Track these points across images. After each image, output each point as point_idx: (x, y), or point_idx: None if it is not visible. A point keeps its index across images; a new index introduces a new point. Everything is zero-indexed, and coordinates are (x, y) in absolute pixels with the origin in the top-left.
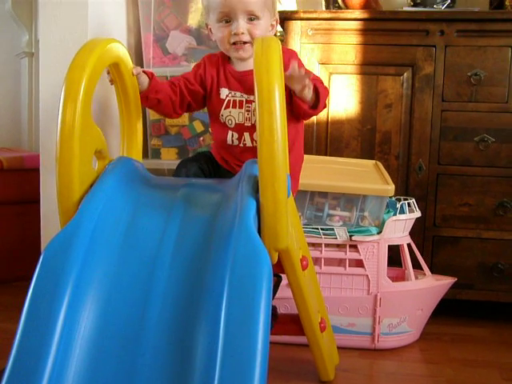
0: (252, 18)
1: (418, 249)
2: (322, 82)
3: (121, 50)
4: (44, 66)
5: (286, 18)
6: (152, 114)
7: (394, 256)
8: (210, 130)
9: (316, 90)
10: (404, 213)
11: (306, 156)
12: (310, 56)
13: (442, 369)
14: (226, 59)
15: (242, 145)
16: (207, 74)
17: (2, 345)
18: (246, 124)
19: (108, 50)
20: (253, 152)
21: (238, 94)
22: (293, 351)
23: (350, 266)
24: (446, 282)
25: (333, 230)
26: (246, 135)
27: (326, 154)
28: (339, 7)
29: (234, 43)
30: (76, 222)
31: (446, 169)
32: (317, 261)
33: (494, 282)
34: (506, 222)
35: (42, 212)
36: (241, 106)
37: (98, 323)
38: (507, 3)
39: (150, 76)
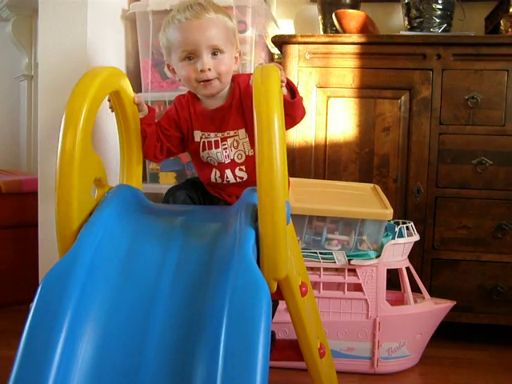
0: (216, 52)
1: (417, 272)
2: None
3: (122, 78)
4: (43, 89)
5: (283, 41)
6: None
7: (393, 279)
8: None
9: (288, 84)
10: (402, 236)
11: (304, 180)
12: (307, 79)
13: None
14: (195, 98)
15: (225, 182)
16: (181, 117)
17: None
18: (225, 161)
19: (109, 78)
20: (238, 186)
21: (212, 134)
22: (292, 376)
23: (348, 290)
24: (445, 305)
25: (331, 254)
26: (228, 172)
27: (324, 178)
28: (337, 31)
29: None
30: (74, 251)
31: (444, 191)
32: (315, 285)
33: (494, 304)
34: (504, 245)
35: (40, 237)
36: (217, 146)
37: (96, 355)
38: (502, 28)
39: (150, 110)
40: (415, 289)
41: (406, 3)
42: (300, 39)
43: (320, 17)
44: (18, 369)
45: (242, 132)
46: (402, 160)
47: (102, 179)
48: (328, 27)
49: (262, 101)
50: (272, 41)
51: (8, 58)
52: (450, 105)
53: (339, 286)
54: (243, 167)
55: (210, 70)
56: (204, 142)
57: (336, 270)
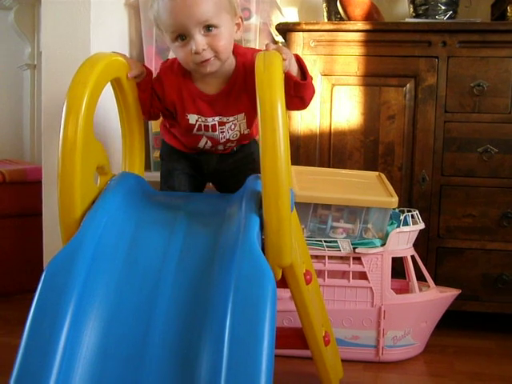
0: (209, 27)
1: (422, 260)
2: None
3: (123, 65)
4: (46, 78)
5: (288, 29)
6: (154, 127)
7: (398, 268)
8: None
9: (298, 62)
10: (408, 224)
11: (309, 168)
12: (312, 67)
13: (446, 382)
14: (187, 77)
15: (213, 149)
16: (167, 97)
17: (3, 360)
18: (221, 140)
19: (110, 64)
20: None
21: (210, 119)
22: (296, 364)
23: (353, 278)
24: (451, 293)
25: (336, 242)
26: (220, 146)
27: (328, 166)
28: (341, 18)
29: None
30: (78, 239)
31: (449, 180)
32: (320, 273)
33: (499, 293)
34: (510, 233)
35: (45, 226)
36: (214, 129)
37: (101, 342)
38: (509, 14)
39: (147, 74)
40: (420, 277)
41: None
42: (304, 27)
43: (324, 4)
44: (22, 356)
45: (240, 116)
46: (407, 148)
47: (104, 167)
48: (332, 14)
49: (265, 89)
50: (276, 28)
51: (11, 47)
52: (456, 92)
53: (344, 275)
54: (235, 142)
55: (204, 50)
56: (200, 125)
57: (341, 258)
